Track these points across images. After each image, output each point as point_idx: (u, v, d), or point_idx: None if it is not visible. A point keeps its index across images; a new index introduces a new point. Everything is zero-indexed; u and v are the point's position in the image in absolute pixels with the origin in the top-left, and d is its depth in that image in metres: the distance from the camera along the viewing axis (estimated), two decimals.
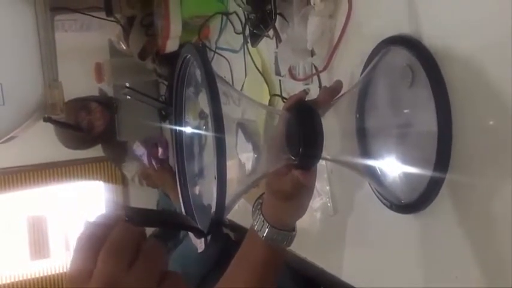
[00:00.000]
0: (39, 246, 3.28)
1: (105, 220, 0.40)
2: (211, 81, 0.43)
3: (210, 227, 0.45)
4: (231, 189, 0.47)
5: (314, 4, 0.76)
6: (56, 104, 1.24)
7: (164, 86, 1.97)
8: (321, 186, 0.85)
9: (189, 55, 0.54)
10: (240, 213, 1.14)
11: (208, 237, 1.48)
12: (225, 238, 1.69)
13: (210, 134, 0.45)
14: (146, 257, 0.38)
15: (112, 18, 1.60)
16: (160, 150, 2.29)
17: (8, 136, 1.29)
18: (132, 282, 0.37)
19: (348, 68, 0.75)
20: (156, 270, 0.38)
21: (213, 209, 0.44)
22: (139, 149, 2.11)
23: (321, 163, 0.68)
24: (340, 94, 0.64)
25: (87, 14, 1.66)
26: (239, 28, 1.16)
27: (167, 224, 0.43)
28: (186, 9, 1.31)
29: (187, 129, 0.62)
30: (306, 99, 0.62)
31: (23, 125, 1.28)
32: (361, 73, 0.68)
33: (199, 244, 1.49)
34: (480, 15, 0.50)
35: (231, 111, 0.59)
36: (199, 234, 0.46)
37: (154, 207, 2.26)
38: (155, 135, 2.28)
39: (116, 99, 2.16)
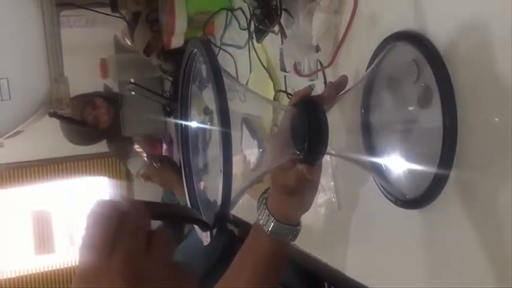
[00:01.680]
0: (43, 241, 3.30)
1: (117, 204, 0.41)
2: (217, 74, 0.44)
3: (215, 220, 0.45)
4: (236, 184, 0.47)
5: (319, 0, 0.76)
6: (61, 98, 1.25)
7: (169, 82, 1.97)
8: (326, 181, 0.86)
9: (195, 50, 0.54)
10: (244, 209, 1.14)
11: (214, 231, 1.48)
12: (229, 234, 1.69)
13: (215, 129, 0.45)
14: (160, 243, 0.40)
15: (117, 14, 1.60)
16: (164, 146, 2.30)
17: (14, 131, 1.30)
18: (154, 263, 0.38)
19: (353, 64, 0.75)
20: (171, 257, 0.40)
21: (219, 202, 0.44)
22: (140, 150, 2.12)
23: (326, 158, 0.69)
24: (345, 90, 0.64)
25: (93, 10, 1.67)
26: (244, 24, 1.16)
27: (174, 216, 0.43)
28: (191, 5, 1.31)
29: (193, 124, 0.62)
30: (312, 95, 0.62)
31: (29, 119, 1.29)
32: (366, 69, 0.68)
33: (205, 237, 1.49)
34: (486, 11, 0.50)
35: (236, 106, 0.59)
36: (205, 227, 0.46)
37: None
38: (159, 131, 2.28)
39: (121, 95, 2.17)
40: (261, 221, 0.68)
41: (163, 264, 0.39)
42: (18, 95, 1.22)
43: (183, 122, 0.60)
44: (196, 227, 0.62)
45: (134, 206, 0.41)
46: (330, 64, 0.79)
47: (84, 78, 2.03)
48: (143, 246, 0.39)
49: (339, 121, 0.66)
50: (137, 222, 0.40)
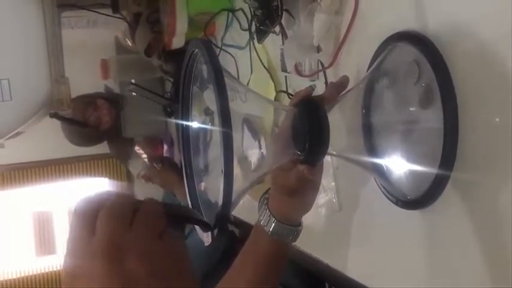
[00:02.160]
0: (44, 242, 3.29)
1: (98, 195, 0.41)
2: (218, 75, 0.44)
3: (217, 221, 0.45)
4: (237, 184, 0.47)
5: (320, 0, 0.76)
6: (62, 99, 1.25)
7: (170, 83, 1.97)
8: (327, 182, 0.86)
9: (196, 50, 0.54)
10: (245, 209, 1.14)
11: (215, 231, 1.48)
12: (230, 234, 1.69)
13: (216, 129, 0.45)
14: (145, 215, 0.39)
15: (118, 15, 1.61)
16: (165, 147, 2.30)
17: (15, 131, 1.30)
18: (134, 238, 0.37)
19: (354, 64, 0.75)
20: (156, 227, 0.39)
21: (220, 203, 0.44)
22: (140, 152, 2.12)
23: (327, 159, 0.69)
24: (346, 90, 0.64)
25: (94, 11, 1.67)
26: (245, 25, 1.17)
27: (175, 217, 0.43)
28: (192, 6, 1.31)
29: (194, 125, 0.62)
30: (313, 95, 0.62)
31: (30, 120, 1.29)
32: (367, 69, 0.68)
33: (206, 238, 1.49)
34: (487, 10, 0.50)
35: (237, 106, 0.59)
36: (206, 227, 0.46)
37: None
38: (160, 132, 2.28)
39: (122, 95, 2.17)
40: (262, 221, 0.68)
41: (148, 236, 0.38)
42: (19, 95, 1.22)
43: (184, 123, 0.60)
44: (197, 227, 0.62)
45: (115, 192, 0.41)
46: (331, 64, 0.79)
47: (85, 79, 2.03)
48: (125, 223, 0.38)
49: (340, 121, 0.66)
50: (119, 200, 0.39)
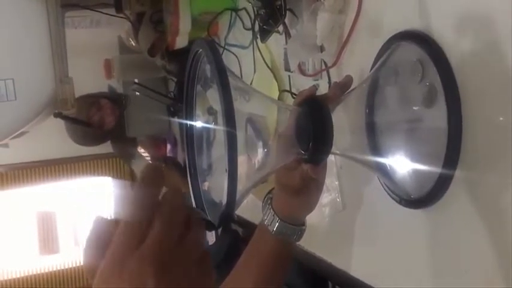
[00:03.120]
0: (48, 241, 3.30)
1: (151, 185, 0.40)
2: (223, 76, 0.44)
3: (221, 220, 0.45)
4: (241, 184, 0.47)
5: (324, 0, 0.76)
6: (66, 99, 1.26)
7: (173, 83, 1.98)
8: (330, 181, 0.86)
9: (200, 50, 0.54)
10: (249, 209, 1.14)
11: (219, 230, 1.48)
12: (234, 234, 1.69)
13: (220, 129, 0.45)
14: (194, 232, 0.39)
15: (121, 15, 1.61)
16: (168, 146, 2.30)
17: (20, 131, 1.30)
18: (183, 256, 0.37)
19: (357, 64, 0.75)
20: (201, 246, 0.40)
21: (224, 202, 0.44)
22: (143, 152, 2.12)
23: (330, 158, 0.69)
24: (349, 89, 0.64)
25: (97, 11, 1.67)
26: (248, 24, 1.17)
27: None
28: (195, 5, 1.32)
29: (197, 124, 0.62)
30: (316, 95, 0.62)
31: (34, 120, 1.29)
32: (371, 69, 0.68)
33: (210, 237, 1.49)
34: (490, 10, 0.50)
35: (240, 106, 0.59)
36: (210, 226, 0.46)
37: None
38: (163, 132, 2.29)
39: (125, 95, 2.18)
40: (266, 221, 0.68)
41: (195, 259, 0.38)
42: (23, 95, 1.23)
43: (188, 123, 0.60)
44: None
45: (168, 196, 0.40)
46: (335, 64, 0.79)
47: (88, 78, 2.03)
48: (176, 235, 0.38)
49: (344, 121, 0.66)
50: (175, 207, 0.39)
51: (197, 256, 0.39)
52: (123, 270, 0.36)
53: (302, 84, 0.93)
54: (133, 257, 0.36)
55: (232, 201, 0.43)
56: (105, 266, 0.37)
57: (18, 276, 3.21)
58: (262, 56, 1.10)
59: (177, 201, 0.39)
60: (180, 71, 1.67)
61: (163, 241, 0.37)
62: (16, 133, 1.31)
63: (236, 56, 1.29)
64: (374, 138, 0.67)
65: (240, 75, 1.28)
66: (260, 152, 0.64)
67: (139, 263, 0.36)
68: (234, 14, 1.27)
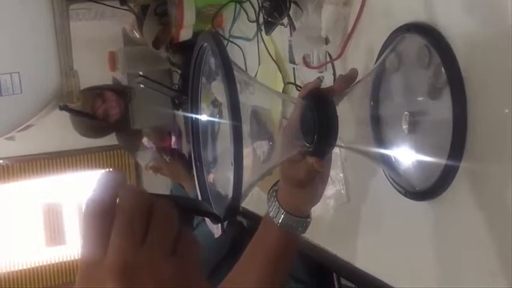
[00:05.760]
0: (54, 233, 3.33)
1: (107, 191, 0.38)
2: (228, 68, 0.44)
3: (227, 212, 0.45)
4: (246, 176, 0.47)
5: None
6: (72, 92, 1.26)
7: (177, 75, 1.98)
8: (335, 173, 0.86)
9: (205, 43, 0.54)
10: (254, 201, 1.15)
11: (225, 223, 1.49)
12: (239, 226, 1.70)
13: (225, 122, 0.45)
14: (158, 225, 0.37)
15: (126, 7, 1.61)
16: (173, 138, 2.30)
17: (26, 124, 1.31)
18: (146, 257, 0.36)
19: (362, 56, 0.75)
20: (170, 236, 0.38)
21: (230, 195, 0.45)
22: (148, 144, 2.13)
23: (335, 151, 0.69)
24: (354, 82, 0.64)
25: (101, 3, 1.67)
26: (253, 16, 1.16)
27: (185, 209, 0.43)
28: None
29: (203, 117, 0.62)
30: (321, 88, 0.62)
31: (40, 113, 1.30)
32: (376, 61, 0.68)
33: (216, 230, 1.50)
34: (496, 1, 0.50)
35: (245, 99, 0.59)
36: (216, 219, 0.46)
37: None
38: (168, 124, 2.29)
39: (130, 87, 2.18)
40: (271, 213, 0.68)
41: (162, 251, 0.37)
42: (29, 89, 1.23)
43: (194, 116, 0.61)
44: (207, 219, 0.62)
45: (123, 185, 0.38)
46: (339, 56, 0.79)
47: (93, 71, 2.04)
48: (138, 238, 0.36)
49: (349, 113, 0.67)
50: (131, 205, 0.37)
51: (168, 246, 0.37)
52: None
53: (307, 76, 0.93)
54: (99, 271, 0.36)
55: (238, 194, 0.43)
56: (77, 284, 0.37)
57: (24, 267, 3.24)
58: (266, 49, 1.10)
59: (133, 201, 0.37)
60: (185, 63, 1.68)
61: (122, 248, 0.36)
62: (22, 126, 1.32)
63: (241, 48, 1.29)
64: (379, 131, 0.67)
65: (244, 68, 1.28)
66: (265, 144, 0.64)
67: (103, 278, 0.35)
68: (238, 6, 1.27)
